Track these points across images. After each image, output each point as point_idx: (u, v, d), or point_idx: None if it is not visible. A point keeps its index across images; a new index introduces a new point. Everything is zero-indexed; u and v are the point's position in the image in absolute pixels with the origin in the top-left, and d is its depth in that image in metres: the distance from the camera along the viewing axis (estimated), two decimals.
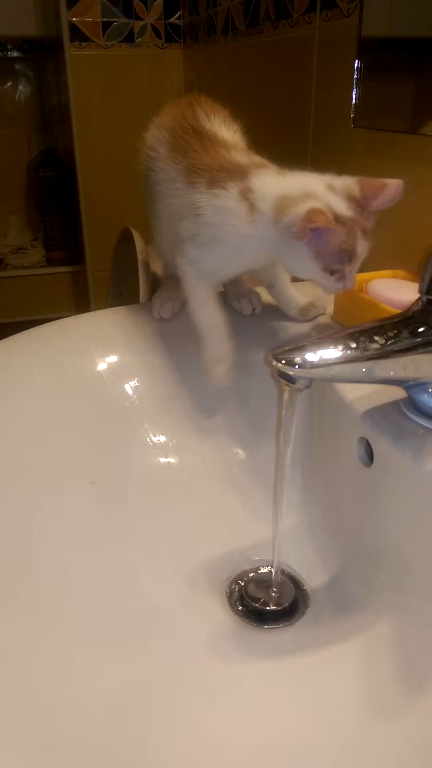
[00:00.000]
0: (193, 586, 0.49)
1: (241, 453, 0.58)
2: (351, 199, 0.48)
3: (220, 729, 0.39)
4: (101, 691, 0.39)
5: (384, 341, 0.40)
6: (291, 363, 0.39)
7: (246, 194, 0.51)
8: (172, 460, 0.56)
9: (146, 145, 0.60)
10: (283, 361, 0.39)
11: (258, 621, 0.46)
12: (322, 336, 0.41)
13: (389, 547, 0.46)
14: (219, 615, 0.47)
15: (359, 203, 0.48)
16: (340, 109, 0.76)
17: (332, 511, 0.52)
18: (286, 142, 0.96)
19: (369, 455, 0.47)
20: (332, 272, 0.50)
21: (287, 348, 0.40)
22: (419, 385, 0.44)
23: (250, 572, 0.50)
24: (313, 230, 0.46)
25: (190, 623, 0.46)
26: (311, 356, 0.39)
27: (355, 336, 0.41)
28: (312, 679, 0.42)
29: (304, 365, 0.39)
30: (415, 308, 0.43)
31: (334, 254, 0.48)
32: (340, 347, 0.40)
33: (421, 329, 0.41)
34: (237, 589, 0.49)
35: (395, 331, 0.41)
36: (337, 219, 0.47)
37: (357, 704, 0.39)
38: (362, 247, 0.49)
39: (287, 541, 0.50)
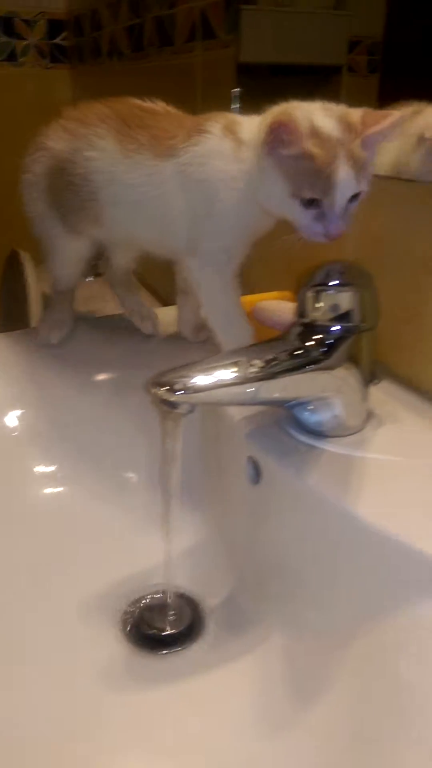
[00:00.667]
0: (87, 617, 0.48)
1: (133, 477, 0.57)
2: (344, 123, 0.42)
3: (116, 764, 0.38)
4: None
5: (264, 364, 0.42)
6: (172, 389, 0.39)
7: (231, 129, 0.48)
8: (60, 489, 0.55)
9: (71, 151, 0.54)
10: (164, 388, 0.39)
11: (153, 647, 0.46)
12: (203, 360, 0.41)
13: (279, 561, 0.47)
14: (112, 645, 0.46)
15: (353, 129, 0.42)
16: None
17: (226, 529, 0.53)
18: None
19: (257, 473, 0.48)
20: (307, 204, 0.43)
21: (167, 373, 0.40)
22: (299, 404, 0.46)
23: (146, 597, 0.50)
24: (273, 130, 0.41)
25: (81, 656, 0.45)
26: (192, 381, 0.40)
27: (234, 360, 0.42)
28: (207, 701, 0.42)
29: (186, 390, 0.39)
30: (293, 331, 0.45)
31: (303, 173, 0.42)
32: (221, 371, 0.41)
33: (297, 352, 0.43)
34: (131, 617, 0.48)
35: (273, 354, 0.42)
36: (316, 133, 0.42)
37: (252, 722, 0.40)
38: (345, 174, 0.42)
39: (184, 562, 0.50)
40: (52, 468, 0.56)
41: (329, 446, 0.45)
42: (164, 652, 0.46)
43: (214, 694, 0.42)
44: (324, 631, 0.42)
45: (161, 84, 0.97)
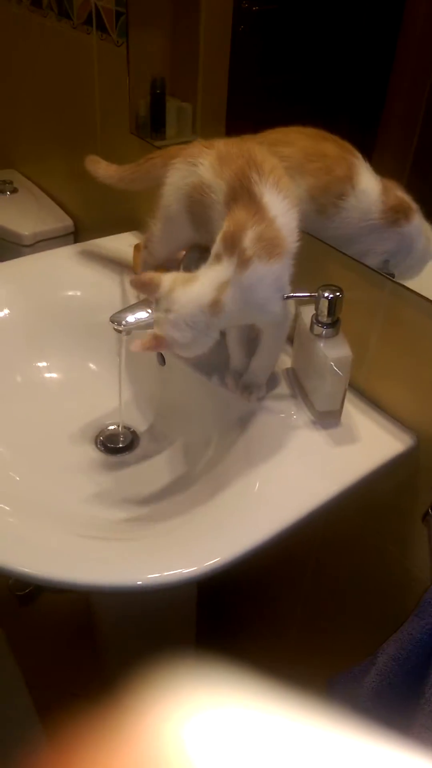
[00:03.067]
0: (77, 437, 0.89)
1: (94, 367, 0.97)
2: None
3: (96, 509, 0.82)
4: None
5: None
6: (119, 323, 0.78)
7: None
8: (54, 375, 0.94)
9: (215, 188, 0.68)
10: (114, 322, 0.78)
11: (112, 453, 0.89)
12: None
13: (176, 405, 0.89)
14: (90, 452, 0.88)
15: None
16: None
17: (148, 390, 0.94)
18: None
19: (163, 360, 0.88)
20: None
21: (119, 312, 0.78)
22: None
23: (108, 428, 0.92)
24: None
25: (75, 454, 0.87)
26: (126, 320, 0.78)
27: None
28: (142, 471, 0.86)
29: (125, 325, 0.78)
30: None
31: None
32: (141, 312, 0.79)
33: None
34: (100, 438, 0.90)
35: None
36: None
37: (168, 482, 0.84)
38: None
39: (127, 409, 0.91)
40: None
41: None
42: (119, 455, 0.88)
43: (145, 469, 0.86)
44: (200, 439, 0.85)
45: (59, 48, 1.19)
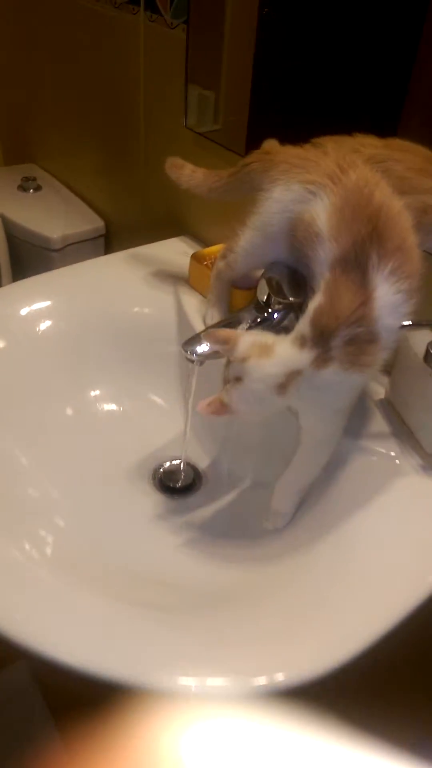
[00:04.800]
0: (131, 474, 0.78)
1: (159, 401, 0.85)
2: None
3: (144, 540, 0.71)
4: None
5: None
6: (191, 352, 0.66)
7: None
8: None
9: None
10: (187, 351, 0.66)
11: (171, 494, 0.77)
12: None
13: (250, 441, 0.78)
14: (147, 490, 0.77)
15: None
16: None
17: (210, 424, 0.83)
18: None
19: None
20: None
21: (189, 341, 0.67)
22: None
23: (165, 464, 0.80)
24: None
25: (130, 495, 0.76)
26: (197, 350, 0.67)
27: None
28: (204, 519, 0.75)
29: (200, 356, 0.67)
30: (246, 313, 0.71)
31: None
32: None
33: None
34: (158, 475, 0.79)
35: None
36: None
37: (226, 531, 0.73)
38: None
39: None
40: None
41: None
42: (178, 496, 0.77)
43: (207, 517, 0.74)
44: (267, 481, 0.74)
45: (96, 29, 1.08)
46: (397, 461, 0.65)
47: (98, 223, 1.27)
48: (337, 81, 0.76)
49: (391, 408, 0.71)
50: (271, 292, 0.67)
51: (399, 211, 0.56)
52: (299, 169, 0.60)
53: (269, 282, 0.67)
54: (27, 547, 0.63)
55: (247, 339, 0.57)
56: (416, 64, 0.67)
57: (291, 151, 0.63)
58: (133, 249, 0.98)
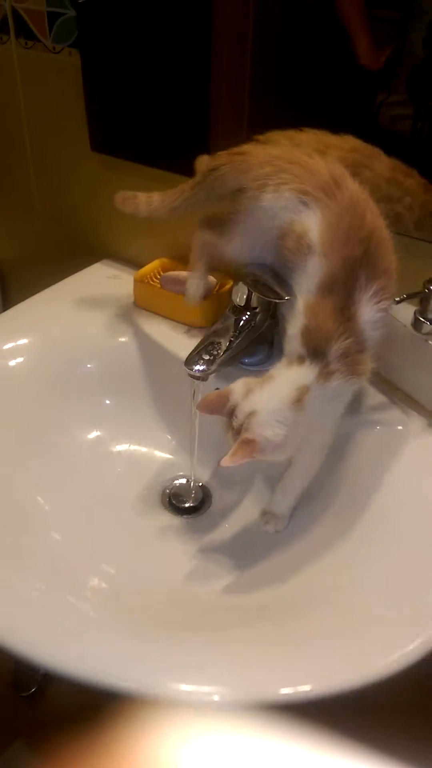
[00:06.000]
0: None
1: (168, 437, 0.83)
2: None
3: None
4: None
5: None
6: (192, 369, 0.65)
7: None
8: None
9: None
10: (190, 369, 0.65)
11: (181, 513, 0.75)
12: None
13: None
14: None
15: None
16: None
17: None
18: None
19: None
20: None
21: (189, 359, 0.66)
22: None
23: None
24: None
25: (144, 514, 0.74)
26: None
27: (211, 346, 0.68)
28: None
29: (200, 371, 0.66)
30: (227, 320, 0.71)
31: None
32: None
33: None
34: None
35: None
36: None
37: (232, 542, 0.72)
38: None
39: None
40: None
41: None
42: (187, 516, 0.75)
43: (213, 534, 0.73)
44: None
45: None
46: (400, 428, 0.69)
47: None
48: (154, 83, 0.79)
49: (380, 378, 0.74)
50: (255, 291, 0.68)
51: (387, 235, 0.59)
52: (288, 174, 0.59)
53: (253, 283, 0.68)
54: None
55: (237, 384, 0.59)
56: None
57: (269, 151, 0.62)
58: (55, 285, 0.93)
